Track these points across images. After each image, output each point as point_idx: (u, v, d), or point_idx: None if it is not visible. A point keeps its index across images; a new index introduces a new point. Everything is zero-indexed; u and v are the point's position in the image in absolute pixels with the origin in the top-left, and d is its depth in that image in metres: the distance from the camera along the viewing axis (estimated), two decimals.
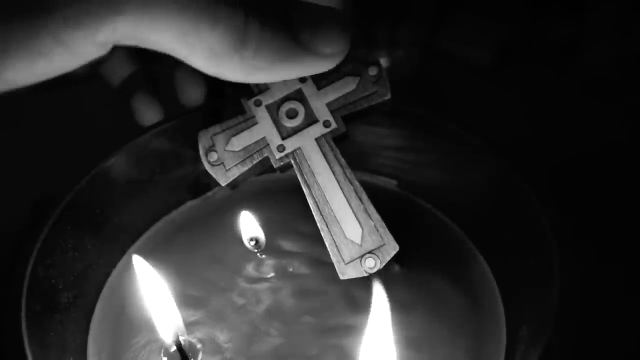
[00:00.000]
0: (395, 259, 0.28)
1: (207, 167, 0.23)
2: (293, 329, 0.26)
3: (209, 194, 0.32)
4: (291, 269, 0.28)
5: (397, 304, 0.23)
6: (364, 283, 0.27)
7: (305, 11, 0.20)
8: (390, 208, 0.30)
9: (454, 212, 0.30)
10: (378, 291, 0.23)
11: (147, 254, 0.29)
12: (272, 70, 0.20)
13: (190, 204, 0.32)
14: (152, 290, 0.25)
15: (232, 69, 0.19)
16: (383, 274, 0.27)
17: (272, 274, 0.28)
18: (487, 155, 0.27)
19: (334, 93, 0.23)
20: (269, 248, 0.29)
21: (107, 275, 0.29)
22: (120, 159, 0.28)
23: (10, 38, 0.16)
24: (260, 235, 0.28)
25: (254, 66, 0.19)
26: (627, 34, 0.46)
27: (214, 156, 0.23)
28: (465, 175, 0.28)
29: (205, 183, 0.31)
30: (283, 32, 0.19)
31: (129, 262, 0.29)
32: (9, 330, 0.23)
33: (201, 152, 0.23)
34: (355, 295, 0.27)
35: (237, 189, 0.32)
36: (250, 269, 0.28)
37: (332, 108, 0.23)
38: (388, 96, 0.23)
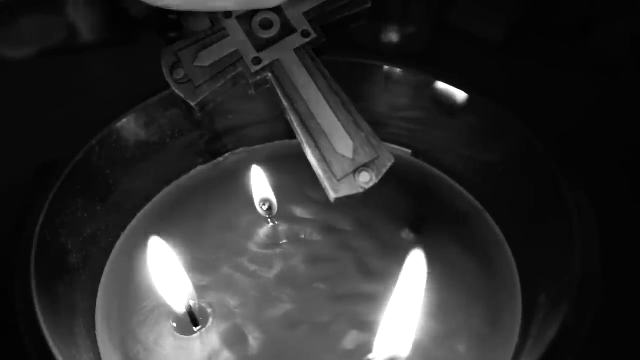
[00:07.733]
0: (411, 227, 0.28)
1: (173, 86, 0.21)
2: (304, 295, 0.26)
3: (220, 159, 0.31)
4: (303, 236, 0.28)
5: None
6: (377, 251, 0.27)
7: None
8: (405, 177, 0.30)
9: (468, 180, 0.29)
10: (416, 261, 0.22)
11: (157, 218, 0.29)
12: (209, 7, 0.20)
13: (200, 169, 0.31)
14: (161, 266, 0.25)
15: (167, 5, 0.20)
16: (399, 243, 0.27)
17: (283, 240, 0.28)
18: (504, 121, 0.26)
19: (310, 2, 0.22)
20: (281, 214, 0.28)
21: (117, 238, 0.28)
22: (131, 120, 0.27)
23: None
24: (272, 198, 0.28)
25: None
26: None
27: (180, 73, 0.21)
28: (480, 143, 0.28)
29: (217, 148, 0.31)
30: None
31: (139, 225, 0.29)
32: (19, 289, 0.22)
33: (165, 69, 0.21)
34: (368, 262, 0.27)
35: (249, 154, 0.32)
36: (261, 234, 0.28)
37: (310, 18, 0.22)
38: (368, 4, 0.22)
